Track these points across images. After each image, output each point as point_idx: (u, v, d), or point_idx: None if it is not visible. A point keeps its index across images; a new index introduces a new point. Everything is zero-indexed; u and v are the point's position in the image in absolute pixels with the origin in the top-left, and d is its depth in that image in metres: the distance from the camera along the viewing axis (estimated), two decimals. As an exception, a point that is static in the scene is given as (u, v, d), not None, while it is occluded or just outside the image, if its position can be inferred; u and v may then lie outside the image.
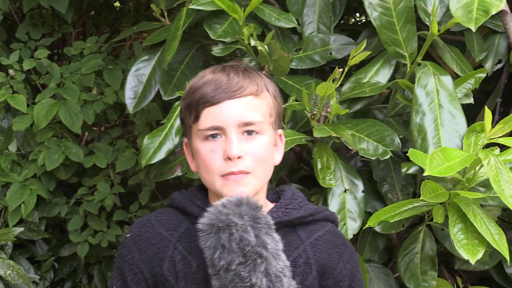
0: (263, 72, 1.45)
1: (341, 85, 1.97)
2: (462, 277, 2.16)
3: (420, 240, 1.91)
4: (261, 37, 1.93)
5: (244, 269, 1.22)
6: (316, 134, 1.77)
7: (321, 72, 2.22)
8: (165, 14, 2.19)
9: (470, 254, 1.59)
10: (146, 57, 2.16)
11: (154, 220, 1.43)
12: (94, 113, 2.44)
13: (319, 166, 1.84)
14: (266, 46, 1.87)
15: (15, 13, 2.77)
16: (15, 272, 2.30)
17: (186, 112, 1.38)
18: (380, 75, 1.94)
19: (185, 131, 1.42)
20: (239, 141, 1.32)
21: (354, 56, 1.83)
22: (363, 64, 2.04)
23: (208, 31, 1.93)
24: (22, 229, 2.36)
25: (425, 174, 1.54)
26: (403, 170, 1.81)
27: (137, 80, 2.14)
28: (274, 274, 1.23)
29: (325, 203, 1.87)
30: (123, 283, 1.41)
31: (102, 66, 2.47)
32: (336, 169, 1.87)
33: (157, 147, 1.94)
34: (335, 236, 1.44)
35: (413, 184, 1.97)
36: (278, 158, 1.43)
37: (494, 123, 1.86)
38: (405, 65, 1.90)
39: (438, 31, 1.82)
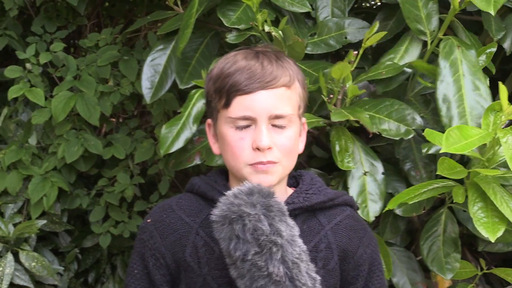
0: (291, 59, 1.42)
1: (361, 67, 1.96)
2: (486, 259, 2.14)
3: (442, 223, 1.91)
4: (275, 23, 1.92)
5: (260, 258, 1.22)
6: (334, 118, 1.76)
7: (337, 57, 2.21)
8: (179, 2, 2.18)
9: (491, 232, 1.58)
10: (161, 46, 2.15)
11: (175, 205, 1.43)
12: (111, 105, 2.45)
13: (337, 149, 1.83)
14: (280, 32, 1.85)
15: (30, 7, 2.78)
16: (39, 264, 2.33)
17: (215, 96, 1.37)
18: (409, 54, 1.92)
19: (211, 113, 1.41)
20: (269, 132, 1.32)
21: (369, 38, 1.82)
22: (380, 47, 2.03)
23: (222, 19, 1.92)
24: (45, 221, 2.38)
25: (441, 151, 1.53)
26: (424, 150, 1.81)
27: (153, 70, 2.13)
28: (291, 260, 1.23)
29: (345, 186, 1.87)
30: (144, 267, 1.42)
31: (118, 57, 2.47)
32: (355, 151, 1.86)
33: (175, 136, 1.94)
34: (354, 220, 1.45)
35: (435, 162, 1.96)
36: (301, 146, 1.43)
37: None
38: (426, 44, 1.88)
39: (460, 6, 1.79)
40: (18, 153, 2.42)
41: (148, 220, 1.43)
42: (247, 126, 1.33)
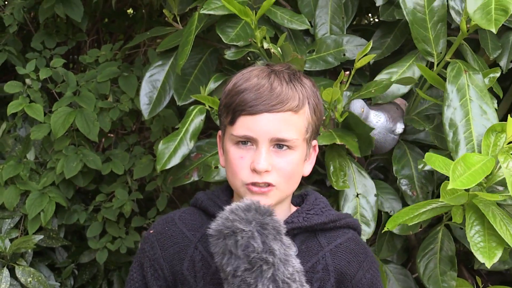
0: (309, 79, 1.40)
1: (358, 84, 1.97)
2: (482, 276, 2.14)
3: (439, 241, 1.90)
4: (274, 40, 1.94)
5: (250, 275, 1.21)
6: (320, 142, 1.77)
7: (335, 73, 2.21)
8: (178, 19, 2.19)
9: (487, 257, 1.57)
10: (160, 62, 2.16)
11: (177, 219, 1.44)
12: (110, 120, 2.46)
13: (331, 169, 1.83)
14: (279, 49, 1.87)
15: (30, 23, 2.80)
16: (35, 280, 2.32)
17: (224, 111, 1.37)
18: (410, 71, 1.92)
19: (220, 126, 1.42)
20: (268, 155, 1.31)
21: (360, 59, 1.83)
22: (377, 63, 2.03)
23: (221, 35, 1.94)
24: (41, 236, 2.38)
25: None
26: (420, 166, 1.81)
27: (151, 86, 2.15)
28: (281, 280, 1.22)
29: (338, 207, 1.87)
30: (142, 277, 1.43)
31: (117, 74, 2.48)
32: (349, 172, 1.87)
33: (172, 152, 1.94)
34: (355, 244, 1.43)
35: (433, 182, 1.96)
36: (308, 169, 1.42)
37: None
38: (432, 65, 1.89)
39: (468, 30, 1.81)
40: (16, 168, 2.42)
41: (151, 231, 1.45)
42: (248, 146, 1.33)
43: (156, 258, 1.41)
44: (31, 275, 2.32)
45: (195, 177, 2.02)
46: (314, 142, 1.42)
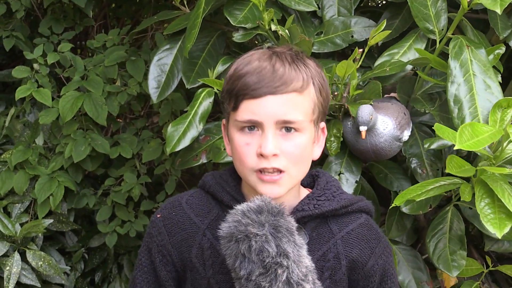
0: (313, 59, 1.35)
1: (367, 66, 1.97)
2: (492, 257, 2.14)
3: (448, 220, 1.90)
4: (282, 22, 1.93)
5: (264, 279, 1.19)
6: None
7: (343, 55, 2.21)
8: (185, 2, 2.19)
9: (497, 228, 1.57)
10: (168, 46, 2.16)
11: (185, 203, 1.40)
12: (118, 105, 2.46)
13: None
14: (287, 31, 1.86)
15: (37, 9, 2.80)
16: (46, 263, 2.34)
17: (226, 97, 1.32)
18: (413, 52, 1.91)
19: (224, 113, 1.37)
20: (275, 139, 1.26)
21: (374, 36, 1.82)
22: (385, 45, 2.03)
23: (229, 18, 1.93)
24: (51, 221, 2.40)
25: (455, 148, 1.52)
26: (426, 145, 1.81)
27: (159, 70, 2.15)
28: (295, 282, 1.20)
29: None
30: (151, 262, 1.41)
31: (125, 58, 2.49)
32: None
33: (181, 134, 1.95)
34: (368, 229, 1.39)
35: (442, 159, 1.96)
36: (317, 152, 1.36)
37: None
38: (434, 43, 1.88)
39: (468, 5, 1.80)
40: (25, 153, 2.43)
41: (158, 215, 1.42)
42: (254, 131, 1.28)
43: (164, 244, 1.39)
44: (42, 259, 2.34)
45: (203, 160, 2.02)
46: (322, 125, 1.37)
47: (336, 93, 1.84)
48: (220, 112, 2.44)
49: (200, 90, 1.97)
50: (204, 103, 1.96)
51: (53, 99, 2.44)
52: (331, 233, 1.35)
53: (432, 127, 1.67)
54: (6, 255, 2.33)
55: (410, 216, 1.99)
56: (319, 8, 2.08)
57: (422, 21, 1.87)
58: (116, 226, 2.51)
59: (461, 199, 1.70)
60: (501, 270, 2.03)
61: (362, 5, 2.36)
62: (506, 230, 1.57)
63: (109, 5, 2.96)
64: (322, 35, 2.06)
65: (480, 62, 1.77)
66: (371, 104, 1.78)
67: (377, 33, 1.82)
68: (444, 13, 1.87)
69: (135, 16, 2.99)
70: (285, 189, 1.29)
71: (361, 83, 1.92)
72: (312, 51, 1.99)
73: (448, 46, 1.83)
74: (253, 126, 1.28)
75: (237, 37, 1.94)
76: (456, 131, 1.58)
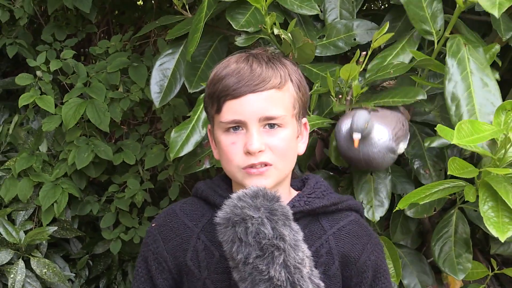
0: (288, 59, 1.42)
1: (364, 70, 1.96)
2: (497, 260, 2.13)
3: (453, 223, 1.90)
4: (284, 26, 1.93)
5: (261, 262, 1.21)
6: (336, 109, 1.76)
7: (345, 59, 2.21)
8: (187, 7, 2.19)
9: (500, 232, 1.57)
10: (170, 51, 2.16)
11: (178, 210, 1.44)
12: (121, 111, 2.46)
13: (334, 144, 1.82)
14: (289, 34, 1.86)
15: (40, 16, 2.80)
16: (50, 271, 2.33)
17: (209, 102, 1.37)
18: (405, 54, 1.91)
19: (208, 118, 1.42)
20: (260, 135, 1.31)
21: (377, 39, 1.82)
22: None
23: (231, 22, 1.93)
24: (55, 228, 2.39)
25: (453, 142, 1.52)
26: (426, 144, 1.80)
27: (162, 74, 2.14)
28: (293, 265, 1.22)
29: (351, 187, 1.87)
30: (148, 271, 1.43)
31: (127, 64, 2.49)
32: None
33: (185, 140, 1.94)
34: (358, 226, 1.42)
35: (444, 159, 1.95)
36: (302, 147, 1.42)
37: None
38: (431, 44, 1.88)
39: (464, 4, 1.79)
40: (29, 160, 2.43)
41: (153, 225, 1.45)
42: (239, 131, 1.33)
43: (159, 251, 1.42)
44: (46, 266, 2.33)
45: (207, 165, 2.02)
46: (304, 120, 1.42)
47: (340, 96, 1.84)
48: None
49: (202, 95, 1.97)
50: (207, 108, 1.96)
51: (56, 106, 2.44)
52: (322, 229, 1.39)
53: (434, 127, 1.67)
54: (10, 262, 2.32)
55: (415, 220, 1.98)
56: (321, 11, 2.07)
57: (418, 22, 1.87)
58: (120, 232, 2.50)
59: (465, 200, 1.70)
60: (507, 273, 2.02)
61: (364, 8, 2.36)
62: (509, 234, 1.56)
63: (112, 11, 2.96)
64: (325, 38, 2.06)
65: (477, 60, 1.77)
66: (371, 110, 1.76)
67: (380, 36, 1.82)
68: (440, 14, 1.87)
69: (137, 22, 2.99)
70: (272, 182, 1.33)
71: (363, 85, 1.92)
72: (315, 54, 1.99)
73: (445, 46, 1.83)
74: (237, 126, 1.32)
75: (239, 41, 1.94)
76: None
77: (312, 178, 1.47)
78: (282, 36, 1.85)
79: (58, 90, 2.60)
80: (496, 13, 1.63)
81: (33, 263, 2.33)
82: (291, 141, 1.36)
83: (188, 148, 1.95)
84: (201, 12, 1.96)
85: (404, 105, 1.89)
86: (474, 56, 1.77)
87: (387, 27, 1.82)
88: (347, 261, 1.38)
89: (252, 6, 1.92)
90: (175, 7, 2.21)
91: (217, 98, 1.34)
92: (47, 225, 2.39)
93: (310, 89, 1.88)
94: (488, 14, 2.00)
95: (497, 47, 1.86)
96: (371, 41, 2.00)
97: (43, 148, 2.52)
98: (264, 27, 1.88)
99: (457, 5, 1.80)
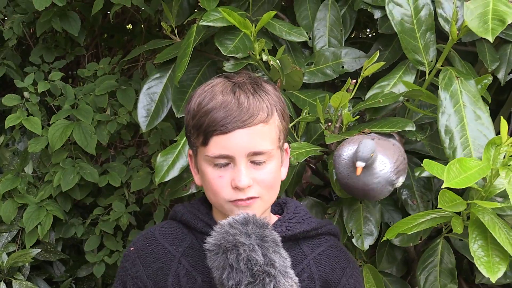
0: (270, 83, 1.40)
1: (357, 97, 1.97)
2: (483, 290, 2.13)
3: (439, 253, 1.89)
4: (272, 52, 1.94)
5: None
6: (329, 141, 1.76)
7: (333, 86, 2.22)
8: (176, 31, 2.20)
9: (491, 272, 1.56)
10: (158, 75, 2.16)
11: (158, 234, 1.42)
12: (108, 134, 2.46)
13: (334, 177, 1.82)
14: (278, 61, 1.87)
15: (29, 37, 2.80)
16: (32, 294, 2.31)
17: (194, 132, 1.35)
18: (401, 84, 1.92)
19: (190, 145, 1.40)
20: (248, 170, 1.31)
21: (368, 67, 1.83)
22: (375, 76, 2.03)
23: (219, 47, 1.93)
24: (39, 250, 2.37)
25: (443, 186, 1.52)
26: (416, 174, 1.80)
27: (149, 98, 2.14)
28: None
29: (341, 215, 1.86)
30: None
31: (115, 87, 2.49)
32: None
33: (171, 164, 1.94)
34: (338, 250, 1.44)
35: (432, 190, 1.96)
36: (284, 172, 1.42)
37: (509, 132, 1.84)
38: (423, 74, 1.89)
39: (458, 35, 1.81)
40: (14, 181, 2.42)
41: (131, 248, 1.43)
42: (226, 164, 1.31)
43: (139, 275, 1.39)
44: (28, 289, 2.31)
45: (193, 190, 2.01)
46: (286, 145, 1.42)
47: (329, 123, 1.84)
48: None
49: (189, 119, 1.96)
50: (194, 133, 1.95)
51: (43, 127, 2.43)
52: (303, 254, 1.40)
53: (423, 157, 1.67)
54: (-9, 285, 2.30)
55: (401, 248, 1.98)
56: (309, 38, 2.09)
57: (411, 52, 1.88)
58: (104, 255, 2.49)
59: (452, 231, 1.69)
60: (492, 303, 2.02)
61: (352, 35, 2.37)
62: (500, 274, 1.55)
63: (101, 34, 2.97)
64: (313, 65, 2.07)
65: (469, 93, 1.78)
66: (374, 138, 1.76)
67: (370, 65, 1.83)
68: (433, 45, 1.89)
69: (126, 46, 3.00)
70: (259, 213, 1.33)
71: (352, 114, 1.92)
72: (303, 81, 2.00)
73: (436, 77, 1.84)
74: (225, 160, 1.31)
75: (227, 66, 1.94)
76: (448, 161, 1.58)
77: (290, 202, 1.47)
78: (271, 62, 1.86)
79: (45, 111, 2.59)
80: (490, 37, 1.65)
81: (15, 286, 2.30)
82: (277, 171, 1.36)
83: (174, 173, 1.94)
84: (190, 37, 1.96)
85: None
86: (467, 89, 1.78)
87: (377, 56, 1.83)
88: (328, 285, 1.39)
89: (241, 32, 1.92)
90: (164, 31, 2.22)
91: (204, 131, 1.32)
92: (31, 247, 2.37)
93: (298, 115, 1.89)
94: (474, 45, 2.02)
95: (489, 78, 1.87)
96: (359, 69, 2.02)
97: (28, 169, 2.50)
98: (252, 53, 1.89)
99: (450, 38, 1.82)
